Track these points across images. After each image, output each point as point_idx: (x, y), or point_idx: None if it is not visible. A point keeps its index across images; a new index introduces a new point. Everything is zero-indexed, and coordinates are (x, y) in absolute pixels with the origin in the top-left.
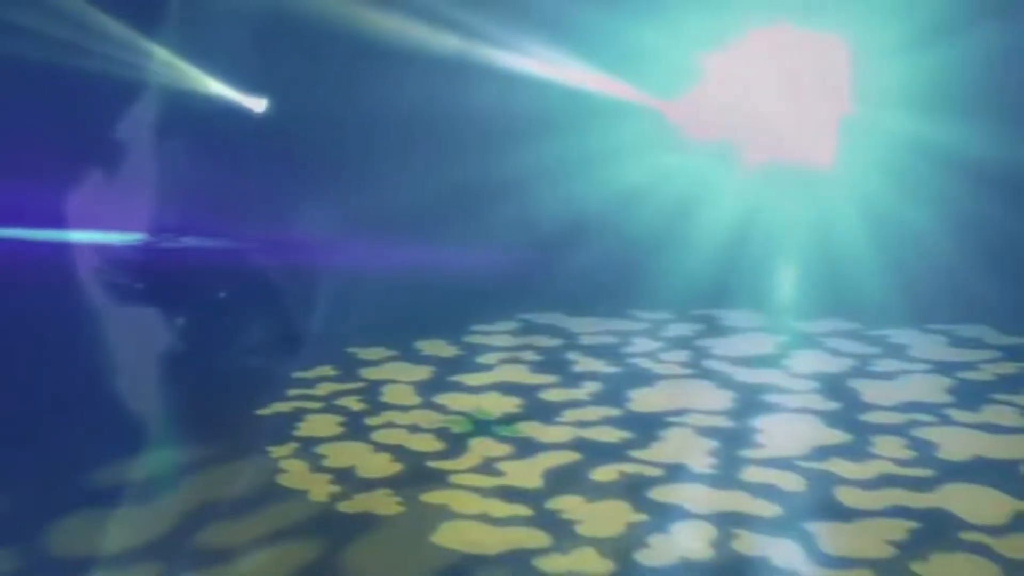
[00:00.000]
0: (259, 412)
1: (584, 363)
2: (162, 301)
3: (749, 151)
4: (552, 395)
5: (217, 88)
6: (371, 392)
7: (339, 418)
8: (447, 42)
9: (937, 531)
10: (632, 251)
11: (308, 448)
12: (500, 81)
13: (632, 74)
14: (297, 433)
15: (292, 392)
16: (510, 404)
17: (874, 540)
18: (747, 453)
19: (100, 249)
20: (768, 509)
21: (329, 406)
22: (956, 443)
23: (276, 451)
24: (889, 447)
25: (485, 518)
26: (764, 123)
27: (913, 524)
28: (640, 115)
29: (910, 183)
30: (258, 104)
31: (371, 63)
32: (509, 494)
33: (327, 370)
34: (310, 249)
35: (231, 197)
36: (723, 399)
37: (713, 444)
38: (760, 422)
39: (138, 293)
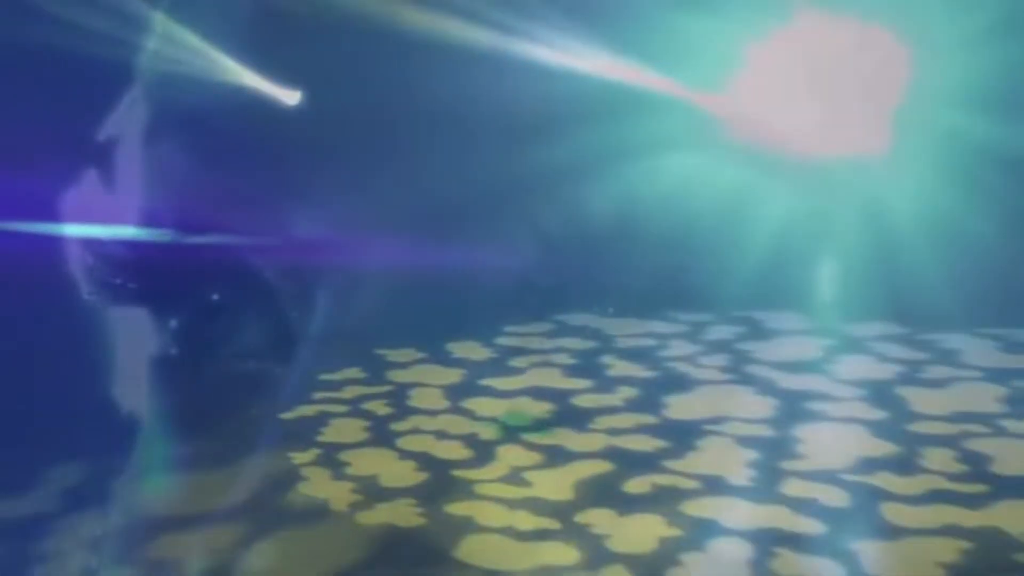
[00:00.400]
0: (283, 416)
1: (619, 367)
2: (159, 301)
3: (797, 147)
4: (585, 400)
5: (250, 80)
6: (398, 396)
7: (364, 423)
8: (481, 35)
9: (991, 552)
10: (672, 250)
11: (331, 455)
12: (537, 74)
13: (673, 66)
14: (321, 439)
15: (318, 395)
16: (541, 410)
17: (923, 562)
18: (788, 465)
19: (94, 246)
20: (810, 526)
21: (355, 410)
22: (1011, 456)
23: (298, 457)
24: (939, 460)
25: (511, 532)
26: (813, 118)
27: (965, 544)
28: (681, 109)
29: (965, 183)
30: (292, 97)
31: (405, 56)
32: (537, 506)
33: (355, 372)
34: (337, 247)
35: (256, 193)
36: (764, 406)
37: (752, 455)
38: (802, 431)
39: (133, 293)
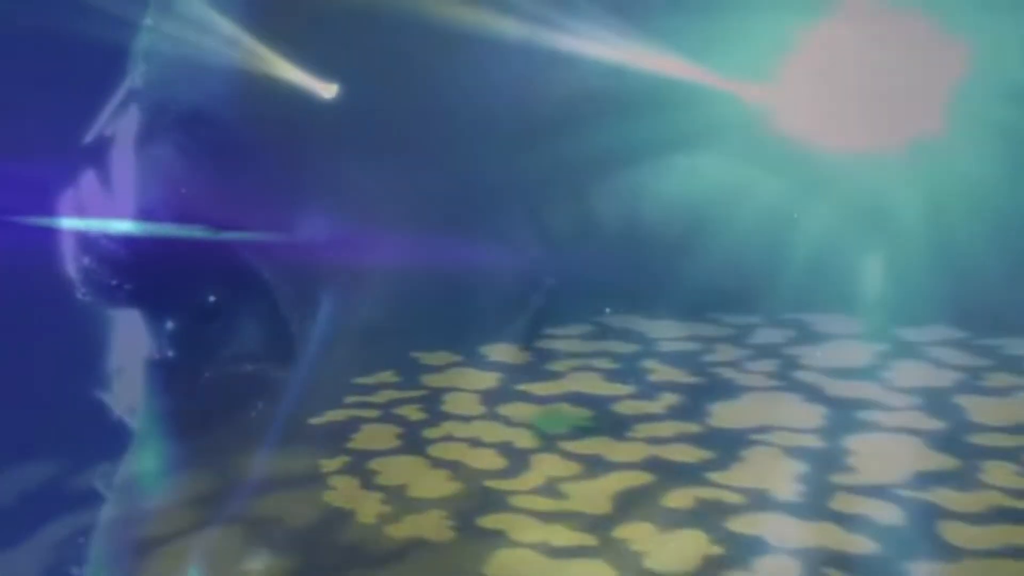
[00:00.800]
0: (312, 420)
1: (661, 372)
2: (156, 303)
3: (848, 138)
4: (625, 407)
5: (288, 71)
6: (432, 401)
7: (396, 429)
8: (514, 25)
9: None
10: (715, 248)
11: (360, 462)
12: (571, 64)
13: (714, 53)
14: (350, 445)
15: (350, 399)
16: (580, 416)
17: None
18: (839, 478)
19: (89, 245)
20: (861, 545)
21: (387, 415)
22: None
23: (326, 464)
24: (1001, 475)
25: (545, 548)
26: (862, 110)
27: None
28: (720, 100)
29: None
30: (328, 90)
31: (439, 47)
32: (573, 520)
33: (389, 375)
34: (371, 244)
35: (288, 188)
36: (813, 415)
37: (800, 467)
38: (853, 442)
39: (129, 294)
